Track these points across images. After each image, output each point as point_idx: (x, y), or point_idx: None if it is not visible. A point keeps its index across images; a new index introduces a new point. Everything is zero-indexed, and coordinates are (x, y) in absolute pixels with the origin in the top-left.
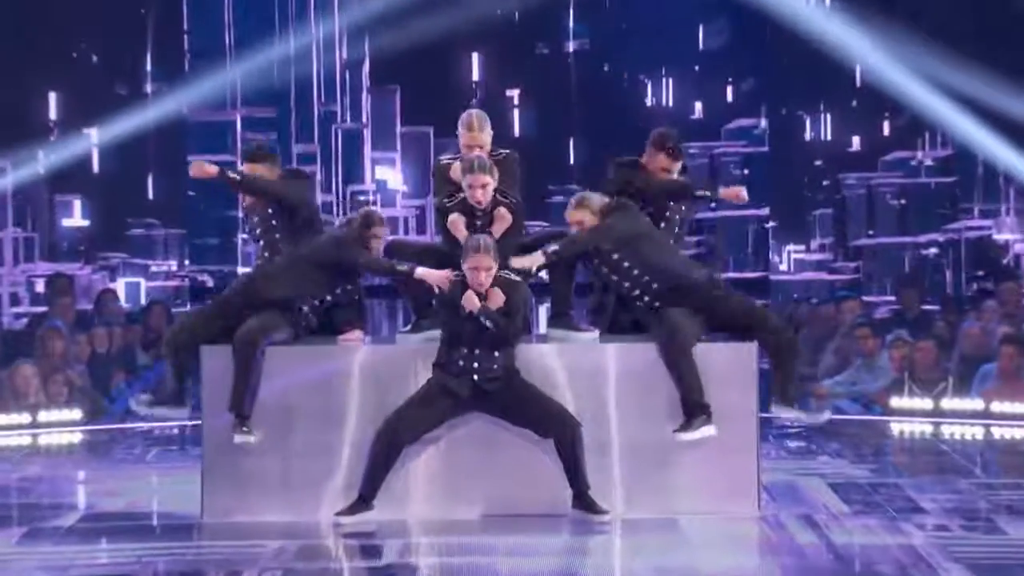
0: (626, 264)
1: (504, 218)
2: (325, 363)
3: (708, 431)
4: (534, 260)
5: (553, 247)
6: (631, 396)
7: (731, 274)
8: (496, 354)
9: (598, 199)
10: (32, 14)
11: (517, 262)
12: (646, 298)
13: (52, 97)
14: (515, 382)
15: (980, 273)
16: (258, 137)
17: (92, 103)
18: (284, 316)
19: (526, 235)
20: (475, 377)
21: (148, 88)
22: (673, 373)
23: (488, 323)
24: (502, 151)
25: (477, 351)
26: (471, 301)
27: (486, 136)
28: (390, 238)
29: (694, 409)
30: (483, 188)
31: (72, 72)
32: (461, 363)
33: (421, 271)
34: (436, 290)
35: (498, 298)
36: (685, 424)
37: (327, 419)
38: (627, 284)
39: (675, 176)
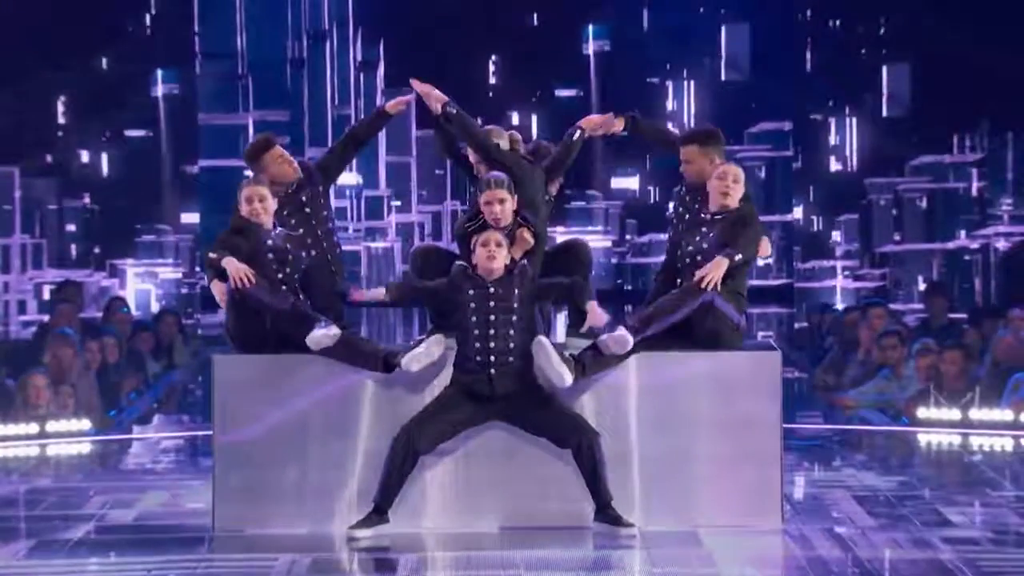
0: None
1: (525, 240)
2: (339, 372)
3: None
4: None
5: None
6: (652, 407)
7: (754, 282)
8: (511, 345)
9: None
10: (41, 18)
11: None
12: None
13: (61, 102)
14: (533, 386)
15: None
16: None
17: (101, 107)
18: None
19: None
20: (492, 371)
21: (158, 92)
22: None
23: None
24: (527, 159)
25: (492, 343)
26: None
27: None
28: (421, 245)
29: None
30: (500, 204)
31: (81, 76)
32: (478, 358)
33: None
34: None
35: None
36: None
37: (340, 429)
38: None
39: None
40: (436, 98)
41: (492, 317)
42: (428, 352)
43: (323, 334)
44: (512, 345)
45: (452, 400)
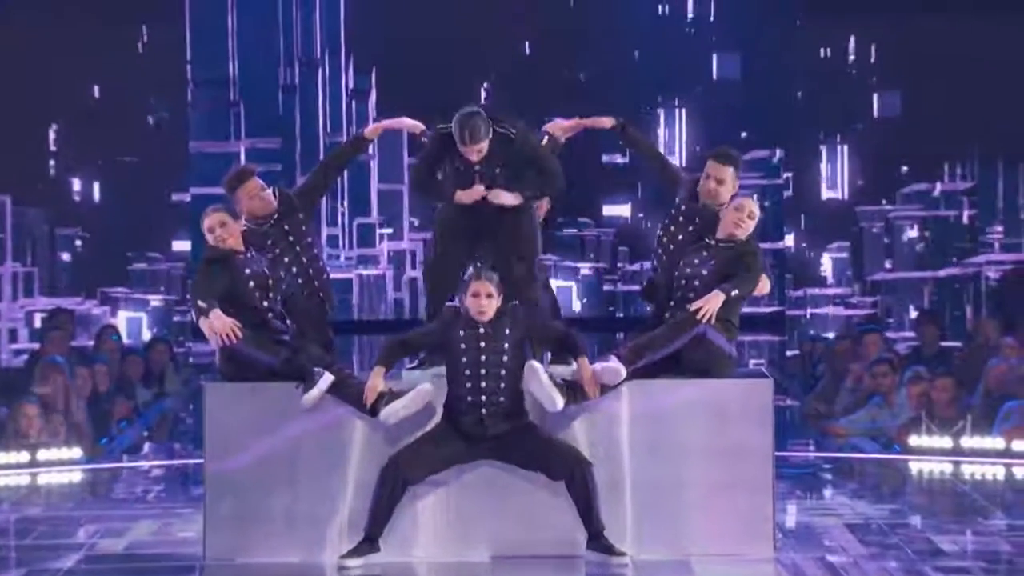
0: None
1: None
2: (330, 401)
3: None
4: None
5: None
6: (644, 435)
7: (745, 309)
8: (503, 385)
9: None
10: (32, 46)
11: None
12: None
13: (52, 129)
14: (523, 425)
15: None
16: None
17: (93, 135)
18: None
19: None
20: (483, 411)
21: (149, 119)
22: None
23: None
24: (510, 130)
25: (483, 383)
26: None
27: (483, 143)
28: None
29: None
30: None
31: (73, 104)
32: (469, 398)
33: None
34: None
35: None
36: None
37: (332, 458)
38: None
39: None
40: (409, 126)
41: (483, 358)
42: (407, 406)
43: (317, 393)
44: (503, 386)
45: (443, 435)
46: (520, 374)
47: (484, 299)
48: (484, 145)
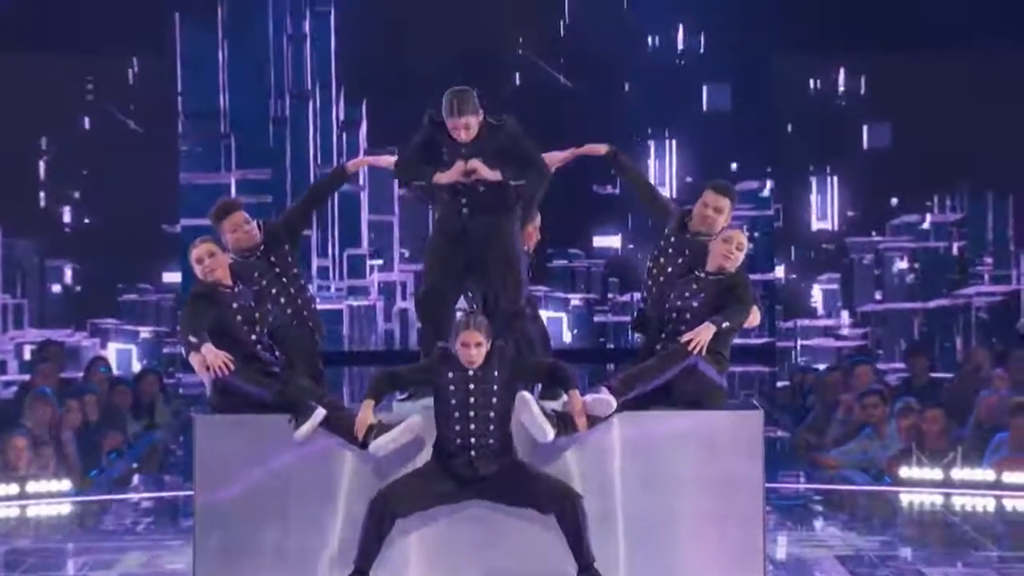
0: None
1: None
2: (320, 433)
3: None
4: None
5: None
6: (635, 466)
7: (735, 341)
8: (491, 427)
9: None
10: (22, 77)
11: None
12: None
13: (43, 160)
14: (512, 464)
15: (993, 340)
16: (250, 199)
17: (83, 166)
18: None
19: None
20: (472, 453)
21: (139, 150)
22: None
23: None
24: (500, 118)
25: (472, 425)
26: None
27: (472, 118)
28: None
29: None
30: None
31: (64, 135)
32: (458, 441)
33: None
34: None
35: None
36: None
37: (322, 490)
38: None
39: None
40: (389, 163)
41: (472, 400)
42: (396, 439)
43: (309, 428)
44: (492, 428)
45: (433, 474)
46: (509, 416)
47: (473, 348)
48: (472, 120)
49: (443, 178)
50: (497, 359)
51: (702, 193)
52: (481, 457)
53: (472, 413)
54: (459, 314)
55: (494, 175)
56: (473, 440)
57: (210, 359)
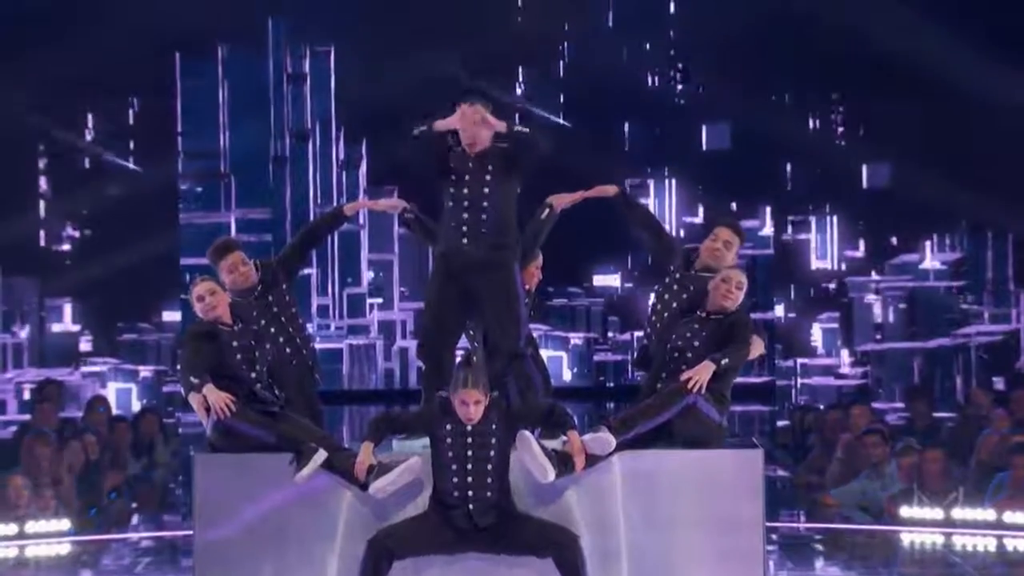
0: None
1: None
2: (317, 473)
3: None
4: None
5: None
6: (636, 505)
7: (736, 379)
8: (489, 480)
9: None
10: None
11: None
12: None
13: (43, 199)
14: (509, 514)
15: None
16: (250, 239)
17: (83, 205)
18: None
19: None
20: (470, 506)
21: (140, 190)
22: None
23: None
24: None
25: (469, 478)
26: None
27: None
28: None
29: None
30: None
31: (63, 176)
32: (456, 493)
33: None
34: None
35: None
36: None
37: (320, 529)
38: None
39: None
40: (385, 206)
41: (469, 453)
42: (395, 481)
43: (309, 470)
44: (490, 480)
45: (432, 522)
46: (507, 467)
47: (472, 406)
48: (484, 106)
49: (442, 124)
50: (495, 413)
51: (713, 228)
52: (479, 510)
53: (469, 466)
54: (459, 357)
55: (500, 125)
56: (471, 493)
57: (212, 400)
